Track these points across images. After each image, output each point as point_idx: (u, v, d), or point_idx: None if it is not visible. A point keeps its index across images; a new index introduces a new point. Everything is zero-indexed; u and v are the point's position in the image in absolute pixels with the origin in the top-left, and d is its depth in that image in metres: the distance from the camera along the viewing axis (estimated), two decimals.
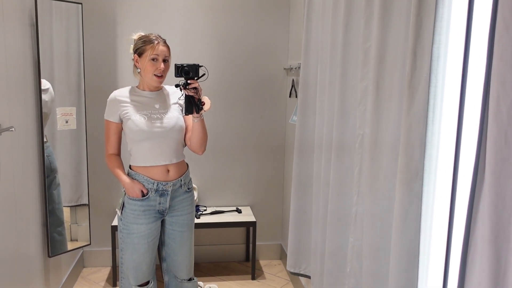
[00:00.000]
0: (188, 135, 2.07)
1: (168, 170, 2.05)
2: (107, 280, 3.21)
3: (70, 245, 2.91)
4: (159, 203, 2.05)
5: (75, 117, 2.57)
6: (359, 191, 1.74)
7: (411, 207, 1.36)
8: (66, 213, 2.91)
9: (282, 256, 3.50)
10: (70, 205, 2.96)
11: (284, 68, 3.37)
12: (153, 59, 1.95)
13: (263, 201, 3.54)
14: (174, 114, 2.04)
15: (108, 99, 2.05)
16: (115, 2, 3.12)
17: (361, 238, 1.71)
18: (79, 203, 3.00)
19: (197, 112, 1.94)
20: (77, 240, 3.03)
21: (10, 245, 2.07)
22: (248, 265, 3.46)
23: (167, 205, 2.08)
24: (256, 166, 3.48)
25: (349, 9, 1.82)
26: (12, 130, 1.96)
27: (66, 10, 2.65)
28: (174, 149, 2.05)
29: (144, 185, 2.02)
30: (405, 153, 1.35)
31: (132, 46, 2.06)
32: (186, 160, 2.21)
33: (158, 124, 1.99)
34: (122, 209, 2.06)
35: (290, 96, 3.26)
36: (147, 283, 2.15)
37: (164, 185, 2.04)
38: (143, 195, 2.02)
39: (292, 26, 3.28)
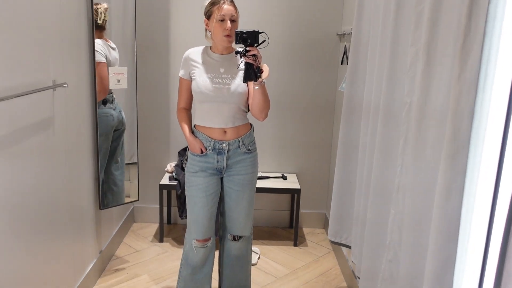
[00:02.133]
0: (250, 101, 2.10)
1: (225, 132, 2.11)
2: (155, 236, 3.36)
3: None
4: (217, 161, 2.13)
5: (126, 76, 2.63)
6: (403, 162, 1.67)
7: (456, 181, 1.28)
8: None
9: (326, 225, 3.49)
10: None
11: (337, 34, 3.26)
12: (220, 20, 1.99)
13: (310, 170, 3.52)
14: (236, 80, 2.06)
15: (182, 57, 2.14)
16: None
17: (403, 211, 1.66)
18: (131, 162, 3.13)
19: (255, 80, 1.93)
20: (129, 197, 3.17)
21: (64, 197, 2.20)
22: (292, 231, 3.49)
23: (224, 164, 2.14)
24: (304, 133, 3.44)
25: None
26: (65, 86, 2.05)
27: None
28: (232, 114, 2.09)
29: (203, 143, 2.11)
30: (453, 123, 1.27)
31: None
32: None
33: (218, 88, 2.04)
34: (186, 162, 2.21)
35: (341, 63, 3.16)
36: (208, 239, 2.24)
37: (220, 144, 2.11)
38: (202, 152, 2.12)
39: None
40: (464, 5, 1.22)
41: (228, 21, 1.99)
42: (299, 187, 3.25)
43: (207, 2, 2.07)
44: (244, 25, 2.13)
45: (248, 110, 2.17)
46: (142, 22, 3.13)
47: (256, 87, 1.99)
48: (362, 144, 2.19)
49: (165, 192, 3.41)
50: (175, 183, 3.18)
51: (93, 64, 2.47)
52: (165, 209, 3.47)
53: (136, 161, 3.15)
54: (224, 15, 1.98)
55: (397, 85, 1.77)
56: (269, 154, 3.48)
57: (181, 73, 2.15)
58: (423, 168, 1.52)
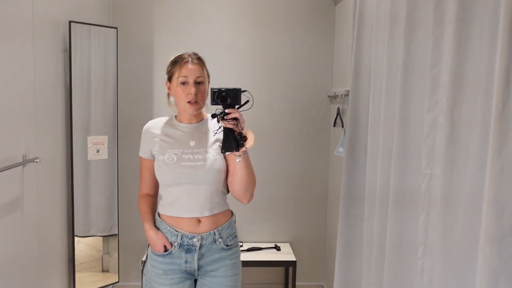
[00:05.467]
0: (229, 179, 1.65)
1: (199, 221, 1.64)
2: None
3: (101, 276, 2.82)
4: (186, 262, 1.63)
5: (106, 146, 2.42)
6: (426, 241, 1.47)
7: (503, 270, 1.08)
8: (99, 242, 2.86)
9: None
10: (102, 234, 2.87)
11: (328, 96, 3.15)
12: (182, 83, 1.59)
13: (304, 237, 3.28)
14: (211, 155, 1.62)
15: (142, 131, 1.72)
16: (151, 28, 3.02)
17: None
18: (111, 233, 2.88)
19: (237, 150, 1.53)
20: (108, 271, 2.91)
21: (34, 280, 1.91)
22: None
23: (195, 266, 1.63)
24: (297, 200, 3.24)
25: (410, 30, 1.59)
26: (37, 161, 1.82)
27: (103, 35, 2.55)
28: (208, 199, 1.63)
29: (167, 238, 1.64)
30: (494, 203, 1.08)
31: None
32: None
33: (189, 167, 1.60)
34: (144, 263, 1.73)
35: (334, 126, 3.02)
36: None
37: (190, 239, 1.62)
38: (166, 250, 1.64)
39: (337, 52, 3.07)
40: (496, 72, 1.08)
41: (193, 85, 1.58)
42: (294, 259, 2.99)
43: (170, 60, 1.66)
44: (226, 85, 1.59)
45: (228, 192, 1.71)
46: (123, 91, 2.97)
47: (238, 160, 1.55)
48: (368, 227, 1.98)
49: None
50: None
51: (71, 134, 2.26)
52: None
53: (116, 233, 2.89)
54: (186, 77, 1.58)
55: (411, 154, 1.60)
56: (261, 223, 3.24)
57: (141, 151, 1.70)
58: (454, 250, 1.32)
